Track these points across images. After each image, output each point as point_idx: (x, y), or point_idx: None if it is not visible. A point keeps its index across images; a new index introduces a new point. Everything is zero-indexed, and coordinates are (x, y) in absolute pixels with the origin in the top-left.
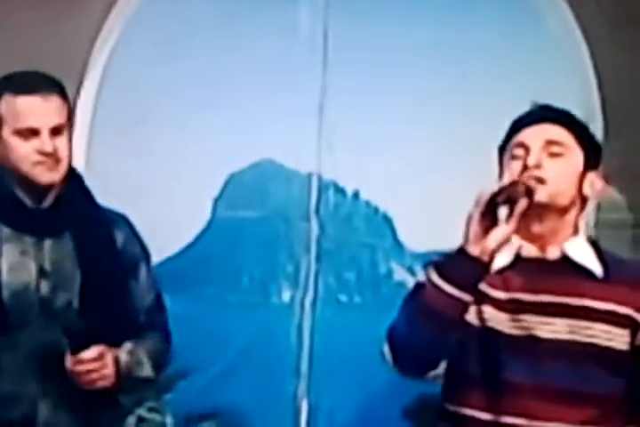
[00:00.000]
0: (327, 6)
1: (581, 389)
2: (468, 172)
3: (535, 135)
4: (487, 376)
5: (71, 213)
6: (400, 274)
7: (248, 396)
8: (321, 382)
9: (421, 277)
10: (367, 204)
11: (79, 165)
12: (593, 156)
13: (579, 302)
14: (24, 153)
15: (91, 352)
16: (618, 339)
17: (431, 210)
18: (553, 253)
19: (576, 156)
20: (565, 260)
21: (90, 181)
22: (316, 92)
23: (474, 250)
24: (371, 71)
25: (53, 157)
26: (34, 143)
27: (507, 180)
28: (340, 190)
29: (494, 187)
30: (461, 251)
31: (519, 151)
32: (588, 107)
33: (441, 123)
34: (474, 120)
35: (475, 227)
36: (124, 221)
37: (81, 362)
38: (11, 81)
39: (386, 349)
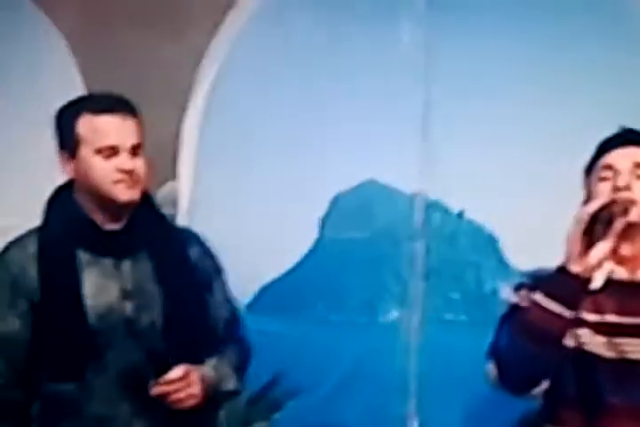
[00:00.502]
0: (429, 21)
1: None
2: (575, 189)
3: (623, 158)
4: (585, 398)
5: (145, 232)
6: (509, 289)
7: (356, 416)
8: (429, 401)
9: (515, 298)
10: (472, 223)
11: (187, 189)
12: None
13: None
14: (105, 171)
15: (176, 372)
16: None
17: (536, 228)
18: None
19: None
20: None
21: (197, 206)
22: (418, 110)
23: (575, 267)
24: (474, 88)
25: (133, 175)
26: (114, 162)
27: (600, 200)
28: (444, 210)
29: (594, 205)
30: (563, 269)
31: (607, 173)
32: None
33: (546, 140)
34: (579, 137)
35: (576, 245)
36: (195, 238)
37: (167, 383)
38: (89, 101)
39: (490, 367)
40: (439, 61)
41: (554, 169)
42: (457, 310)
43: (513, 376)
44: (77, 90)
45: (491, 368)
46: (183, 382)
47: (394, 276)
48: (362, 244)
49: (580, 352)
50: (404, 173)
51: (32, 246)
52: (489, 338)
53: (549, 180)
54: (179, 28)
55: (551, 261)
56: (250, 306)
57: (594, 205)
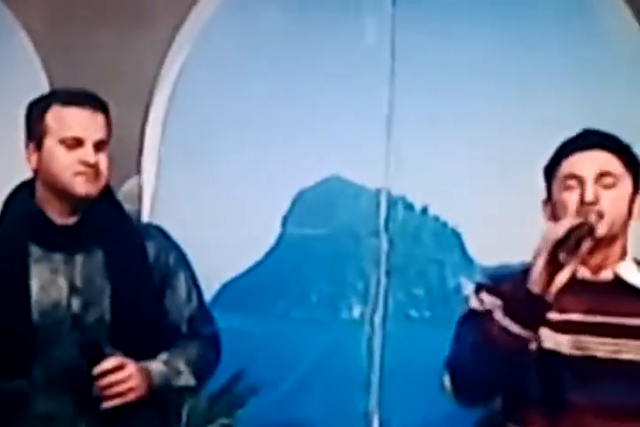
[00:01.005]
0: (394, 21)
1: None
2: (537, 186)
3: (588, 166)
4: (548, 397)
5: (100, 227)
6: (469, 288)
7: (319, 412)
8: (391, 398)
9: (474, 302)
10: (436, 219)
11: (150, 185)
12: (638, 178)
13: (634, 321)
14: (67, 162)
15: (109, 363)
16: None
17: (500, 224)
18: (606, 275)
19: (626, 182)
20: (618, 281)
21: (160, 201)
22: (383, 109)
23: (536, 289)
24: (439, 86)
25: (94, 169)
26: (77, 153)
27: (565, 215)
28: (408, 206)
29: (559, 231)
30: (526, 290)
31: (572, 182)
32: None
33: (510, 138)
34: (542, 136)
35: (540, 270)
36: (157, 232)
37: (102, 375)
38: (60, 93)
39: (446, 379)
40: (404, 58)
41: (517, 165)
42: (420, 306)
43: (470, 390)
44: (41, 87)
45: (445, 380)
46: (119, 374)
47: (357, 272)
48: (324, 240)
49: (543, 351)
50: (367, 170)
51: None
52: (452, 335)
53: (512, 176)
54: (142, 24)
55: (514, 256)
56: (212, 302)
57: (561, 230)
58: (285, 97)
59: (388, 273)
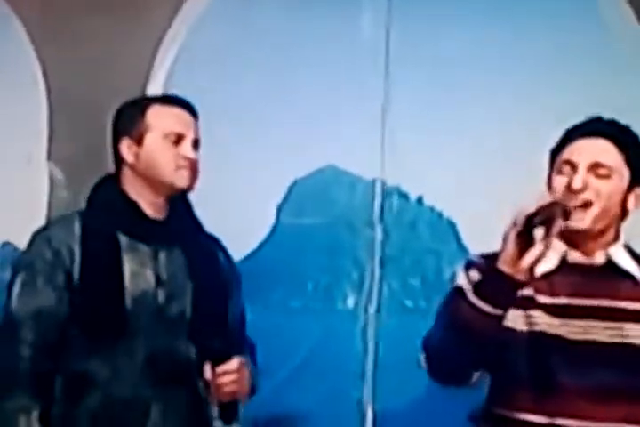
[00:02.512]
0: (389, 15)
1: (629, 389)
2: (533, 176)
3: (584, 153)
4: (540, 380)
5: (183, 226)
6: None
7: (314, 401)
8: (386, 387)
9: (460, 279)
10: (431, 209)
11: None
12: (638, 171)
13: (625, 305)
14: (170, 156)
15: (233, 363)
16: None
17: (495, 214)
18: (598, 259)
19: (622, 176)
20: (609, 265)
21: None
22: (378, 100)
23: (508, 269)
24: (433, 77)
25: (193, 165)
26: (179, 148)
27: (548, 197)
28: (403, 196)
29: (531, 207)
30: (495, 268)
31: (565, 168)
32: None
33: (506, 129)
34: (539, 126)
35: (510, 247)
36: (220, 243)
37: (225, 373)
38: (156, 97)
39: (422, 357)
40: (400, 50)
41: (513, 156)
42: (416, 296)
43: (443, 368)
44: (34, 75)
45: (423, 358)
46: (238, 374)
47: (352, 262)
48: (319, 230)
49: (533, 334)
50: (363, 160)
51: (76, 227)
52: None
53: (508, 166)
54: (137, 13)
55: None
56: None
57: (530, 207)
58: (281, 88)
59: (382, 263)
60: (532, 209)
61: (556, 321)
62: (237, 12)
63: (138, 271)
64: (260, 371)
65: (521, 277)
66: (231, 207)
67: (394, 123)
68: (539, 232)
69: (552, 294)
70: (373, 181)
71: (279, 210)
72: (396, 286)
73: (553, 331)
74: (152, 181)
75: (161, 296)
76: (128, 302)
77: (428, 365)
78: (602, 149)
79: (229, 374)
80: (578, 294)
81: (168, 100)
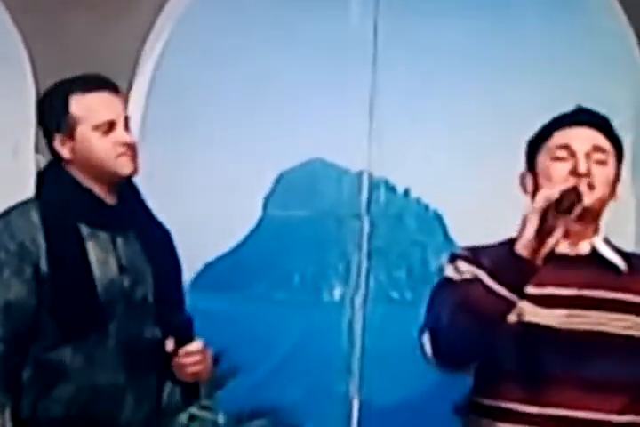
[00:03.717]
0: (377, 5)
1: (619, 379)
2: (518, 168)
3: (581, 139)
4: (530, 370)
5: (133, 211)
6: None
7: (299, 394)
8: (372, 379)
9: (449, 271)
10: (418, 201)
11: None
12: (621, 159)
13: (610, 295)
14: (106, 147)
15: (196, 344)
16: None
17: (481, 206)
18: (583, 249)
19: (613, 162)
20: (593, 256)
21: (140, 183)
22: (365, 91)
23: (525, 252)
24: (421, 69)
25: (131, 148)
26: (113, 136)
27: (555, 182)
28: (390, 188)
29: (555, 193)
30: (512, 252)
31: (563, 153)
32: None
33: (491, 121)
34: (525, 117)
35: (531, 231)
36: (163, 225)
37: (188, 354)
38: (75, 82)
39: (426, 341)
40: (388, 41)
41: (499, 149)
42: (402, 288)
43: (451, 353)
44: (23, 68)
45: (425, 342)
46: (201, 355)
47: (338, 254)
48: (306, 222)
49: (522, 325)
50: (350, 152)
51: (35, 216)
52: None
53: (494, 159)
54: (124, 8)
55: (495, 238)
56: (193, 283)
57: (555, 192)
58: (268, 79)
59: (369, 255)
60: (557, 195)
61: (544, 311)
62: (224, 5)
63: (102, 259)
64: (246, 362)
65: (539, 261)
66: (217, 200)
67: (381, 115)
68: (553, 216)
69: (539, 285)
70: (360, 174)
71: (266, 202)
72: (382, 278)
73: (541, 321)
74: (97, 172)
75: (125, 282)
76: (100, 289)
77: (436, 351)
78: (595, 137)
79: (193, 354)
80: (564, 285)
81: (88, 84)
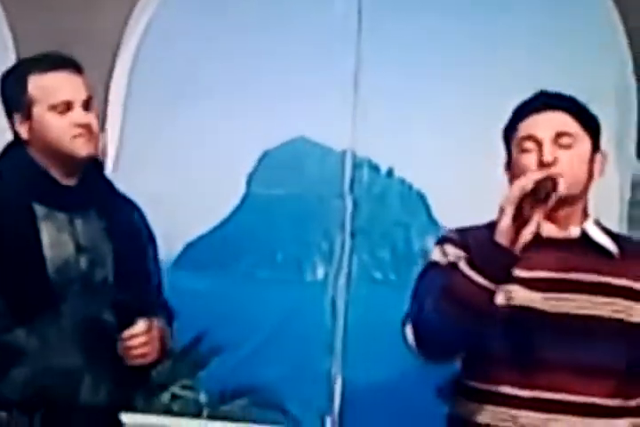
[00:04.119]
0: None
1: (609, 362)
2: (500, 150)
3: (544, 127)
4: (519, 353)
5: (96, 190)
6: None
7: (282, 373)
8: (355, 359)
9: (435, 254)
10: (401, 181)
11: (114, 139)
12: (597, 138)
13: (600, 279)
14: (62, 127)
15: (140, 326)
16: (637, 313)
17: (465, 187)
18: (573, 233)
19: (584, 143)
20: (583, 239)
21: (124, 157)
22: (350, 70)
23: (503, 241)
24: (405, 48)
25: (89, 129)
26: (70, 117)
27: (528, 172)
28: (374, 167)
29: (530, 183)
30: (491, 241)
31: (529, 144)
32: (623, 89)
33: (476, 100)
34: (511, 99)
35: (507, 220)
36: (134, 203)
37: (133, 336)
38: (34, 62)
39: (409, 332)
40: (371, 22)
41: (483, 129)
42: (385, 268)
43: (435, 344)
44: (6, 47)
45: (408, 332)
46: (146, 336)
47: (322, 233)
48: (290, 200)
49: (512, 309)
50: (333, 131)
51: None
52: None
53: (478, 140)
54: None
55: (480, 219)
56: (175, 262)
57: (529, 182)
58: (252, 59)
59: (352, 235)
60: (532, 185)
61: (535, 295)
62: None
63: (57, 239)
64: (228, 342)
65: (518, 250)
66: (200, 177)
67: (365, 94)
68: (529, 205)
69: (529, 268)
70: (344, 153)
71: (249, 180)
72: (365, 258)
73: (531, 304)
74: (53, 153)
75: (83, 263)
76: (50, 271)
77: (419, 342)
78: (559, 120)
79: (137, 336)
80: (555, 268)
81: (47, 63)
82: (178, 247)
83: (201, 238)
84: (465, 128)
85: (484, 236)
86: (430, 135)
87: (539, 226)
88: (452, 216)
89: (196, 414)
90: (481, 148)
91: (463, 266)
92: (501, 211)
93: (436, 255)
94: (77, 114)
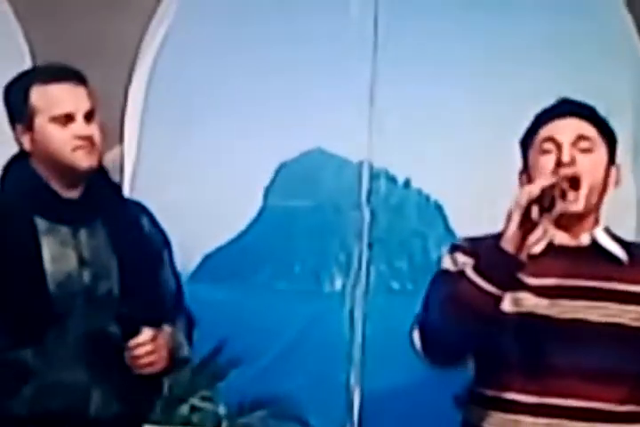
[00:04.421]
0: None
1: (620, 368)
2: (518, 159)
3: (564, 130)
4: (529, 360)
5: (100, 201)
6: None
7: (301, 384)
8: (373, 369)
9: (446, 262)
10: (418, 192)
11: (131, 157)
12: (614, 150)
13: (610, 285)
14: (63, 139)
15: (145, 335)
16: None
17: (482, 197)
18: (584, 241)
19: (602, 150)
20: (594, 246)
21: (141, 173)
22: (366, 81)
23: (509, 247)
24: (421, 58)
25: (91, 141)
26: (71, 129)
27: (540, 176)
28: (391, 178)
29: (536, 189)
30: (497, 247)
31: (549, 146)
32: (639, 98)
33: (493, 110)
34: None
35: (514, 227)
36: (145, 210)
37: (138, 345)
38: (37, 72)
39: (416, 337)
40: (388, 33)
41: (499, 138)
42: (402, 278)
43: (441, 349)
44: (22, 56)
45: (415, 338)
46: (152, 345)
47: (339, 244)
48: (307, 212)
49: (522, 316)
50: (350, 142)
51: None
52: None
53: (495, 149)
54: None
55: (496, 229)
56: (194, 274)
57: (535, 189)
58: (269, 69)
59: (370, 245)
60: (538, 192)
61: (545, 302)
62: None
63: (59, 253)
64: (247, 353)
65: (524, 257)
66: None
67: (381, 106)
68: (537, 211)
69: (540, 276)
70: (360, 164)
71: (266, 193)
72: (383, 269)
73: (541, 311)
74: (55, 165)
75: (86, 277)
76: (51, 286)
77: (425, 346)
78: (579, 125)
79: (143, 345)
80: (566, 275)
81: (50, 74)
82: (196, 259)
83: (219, 250)
84: (482, 139)
85: (492, 242)
86: (447, 146)
87: (546, 232)
88: (470, 226)
89: None
90: (498, 159)
91: (469, 271)
92: (508, 217)
93: (446, 263)
94: (79, 126)
